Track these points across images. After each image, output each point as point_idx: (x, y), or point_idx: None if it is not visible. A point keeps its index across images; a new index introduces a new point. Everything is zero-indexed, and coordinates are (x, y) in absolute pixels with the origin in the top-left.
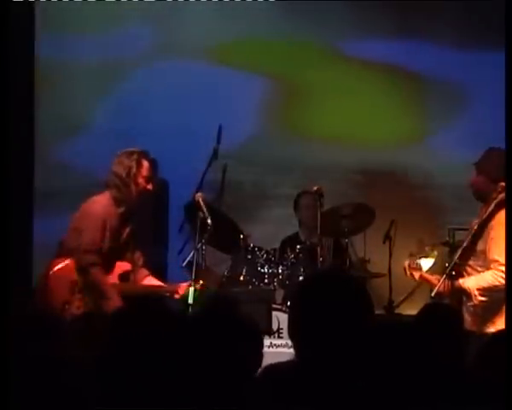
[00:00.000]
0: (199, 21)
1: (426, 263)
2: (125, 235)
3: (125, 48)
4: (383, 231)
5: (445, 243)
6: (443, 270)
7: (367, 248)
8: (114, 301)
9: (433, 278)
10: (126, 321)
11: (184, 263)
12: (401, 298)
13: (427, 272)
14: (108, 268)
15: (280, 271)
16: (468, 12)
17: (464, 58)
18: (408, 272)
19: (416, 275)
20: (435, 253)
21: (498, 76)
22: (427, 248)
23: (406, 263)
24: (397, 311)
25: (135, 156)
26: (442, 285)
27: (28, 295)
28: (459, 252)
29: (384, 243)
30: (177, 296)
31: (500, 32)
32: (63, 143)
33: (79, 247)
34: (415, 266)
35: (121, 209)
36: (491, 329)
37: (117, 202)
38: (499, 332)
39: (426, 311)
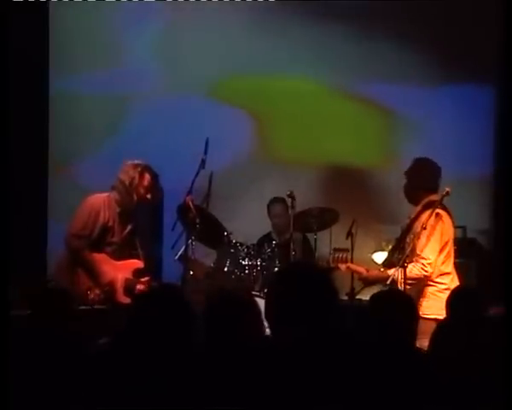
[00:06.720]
0: (192, 61)
1: (381, 256)
2: (126, 232)
3: (129, 83)
4: (346, 229)
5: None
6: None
7: (332, 243)
8: (102, 285)
9: (360, 268)
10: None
11: (177, 256)
12: (361, 286)
13: (382, 263)
14: (116, 259)
15: (258, 263)
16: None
17: (422, 95)
18: (332, 264)
19: (342, 267)
20: (390, 246)
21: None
22: (383, 243)
23: (330, 257)
24: (357, 297)
25: (139, 169)
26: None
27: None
28: (392, 246)
29: (347, 238)
30: None
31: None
32: (73, 162)
33: (69, 230)
34: (339, 259)
35: (119, 209)
36: (426, 311)
37: (117, 203)
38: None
39: (379, 295)
